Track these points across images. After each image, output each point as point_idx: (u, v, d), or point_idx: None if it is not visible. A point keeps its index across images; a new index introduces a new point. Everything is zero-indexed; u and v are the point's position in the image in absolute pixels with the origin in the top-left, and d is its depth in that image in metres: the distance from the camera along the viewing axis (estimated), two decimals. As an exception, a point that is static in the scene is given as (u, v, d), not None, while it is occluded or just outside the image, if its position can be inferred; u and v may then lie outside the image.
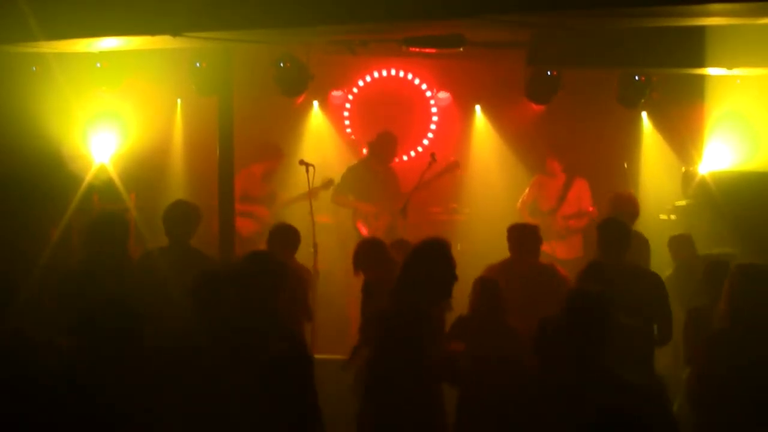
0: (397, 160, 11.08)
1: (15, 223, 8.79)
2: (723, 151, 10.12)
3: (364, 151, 10.75)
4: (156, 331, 5.59)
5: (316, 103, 11.55)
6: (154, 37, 7.39)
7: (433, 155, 10.09)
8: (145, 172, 10.43)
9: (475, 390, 6.00)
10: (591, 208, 10.27)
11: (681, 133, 10.64)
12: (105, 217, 7.19)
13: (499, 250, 8.03)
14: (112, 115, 10.15)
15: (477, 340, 6.10)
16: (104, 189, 9.75)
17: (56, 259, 8.41)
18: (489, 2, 6.15)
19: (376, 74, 11.63)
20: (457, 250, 9.94)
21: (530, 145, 11.11)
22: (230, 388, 5.11)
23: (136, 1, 7.13)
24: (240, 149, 9.28)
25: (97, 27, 7.37)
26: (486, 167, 11.50)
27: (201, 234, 7.43)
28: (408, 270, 5.62)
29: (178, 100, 11.13)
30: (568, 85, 10.00)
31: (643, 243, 8.37)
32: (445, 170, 10.39)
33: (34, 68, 9.22)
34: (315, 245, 9.26)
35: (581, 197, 10.38)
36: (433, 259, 5.58)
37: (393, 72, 11.61)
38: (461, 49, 9.26)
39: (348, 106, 11.68)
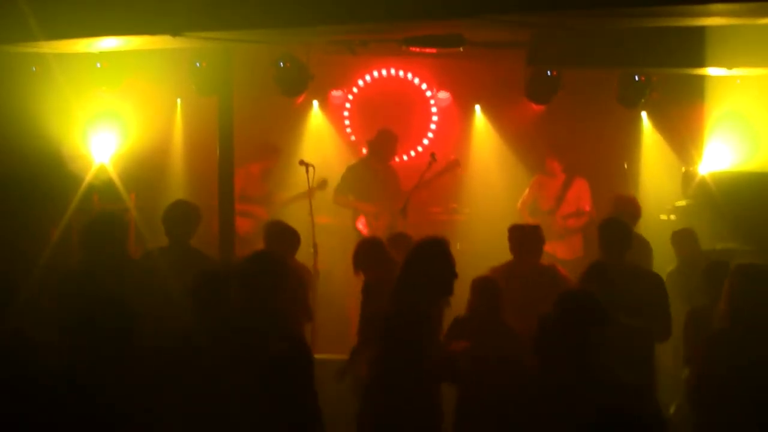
0: (397, 159, 11.09)
1: (15, 223, 8.78)
2: (723, 151, 10.11)
3: (364, 150, 10.75)
4: (156, 331, 5.60)
5: (316, 103, 11.55)
6: (154, 37, 7.39)
7: (433, 155, 10.09)
8: (145, 172, 10.43)
9: (473, 390, 6.00)
10: (588, 208, 10.27)
11: (681, 133, 10.64)
12: (103, 218, 7.19)
13: (499, 250, 8.03)
14: (112, 115, 10.15)
15: (475, 341, 6.09)
16: (104, 189, 9.75)
17: (56, 259, 8.40)
18: (489, 2, 6.15)
19: (376, 74, 11.63)
20: (457, 250, 9.94)
21: (530, 145, 11.11)
22: (230, 387, 5.11)
23: (136, 1, 7.13)
24: (240, 149, 9.28)
25: (97, 27, 7.37)
26: (486, 167, 11.50)
27: (201, 234, 7.42)
28: (408, 270, 5.62)
29: (178, 100, 11.13)
30: (568, 85, 10.00)
31: (644, 245, 8.37)
32: (446, 169, 10.39)
33: (34, 68, 9.22)
34: (315, 245, 9.26)
35: (581, 197, 10.39)
36: (433, 257, 5.58)
37: (393, 72, 11.61)
38: (461, 49, 9.26)
39: (348, 106, 11.68)
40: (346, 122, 11.70)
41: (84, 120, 9.66)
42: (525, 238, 7.53)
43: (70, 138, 9.42)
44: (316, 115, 11.65)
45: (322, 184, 10.32)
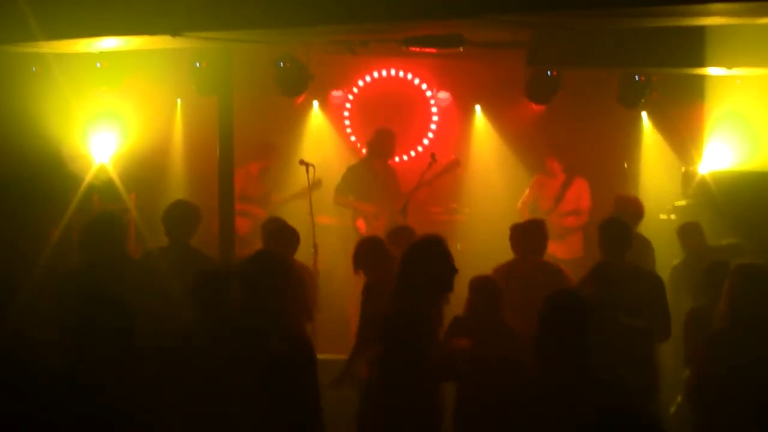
0: (397, 159, 11.09)
1: (15, 223, 8.79)
2: (723, 151, 10.12)
3: (364, 151, 10.75)
4: (156, 330, 5.60)
5: (316, 103, 11.55)
6: (154, 37, 7.39)
7: (433, 155, 10.10)
8: (145, 172, 10.43)
9: (473, 390, 6.00)
10: (586, 207, 10.28)
11: (681, 133, 10.64)
12: (103, 218, 7.19)
13: (499, 250, 8.03)
14: (112, 115, 10.15)
15: (474, 341, 6.08)
16: (104, 189, 9.75)
17: (56, 259, 8.41)
18: (489, 2, 6.15)
19: (376, 74, 11.63)
20: (457, 250, 9.96)
21: (530, 145, 11.11)
22: (231, 387, 5.10)
23: (136, 1, 7.13)
24: (240, 149, 9.29)
25: (97, 27, 7.37)
26: (486, 167, 11.50)
27: (201, 234, 7.42)
28: (406, 270, 5.60)
29: (178, 100, 11.13)
30: (568, 85, 10.00)
31: (646, 245, 8.36)
32: (446, 169, 10.39)
33: (34, 68, 9.22)
34: (315, 245, 9.26)
35: (580, 197, 10.39)
36: (430, 256, 5.57)
37: (393, 72, 11.61)
38: (461, 49, 9.26)
39: (348, 106, 11.68)
40: (347, 122, 11.70)
41: (84, 120, 9.66)
42: (527, 235, 7.50)
43: (70, 138, 9.42)
44: (316, 115, 11.66)
45: (317, 183, 10.31)
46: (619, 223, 7.11)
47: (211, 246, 9.00)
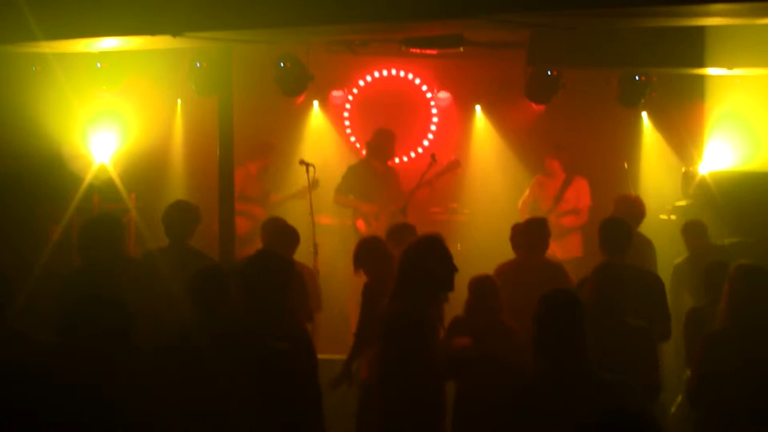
0: (397, 160, 11.09)
1: (15, 223, 8.79)
2: (723, 151, 10.12)
3: (364, 151, 10.75)
4: (155, 330, 5.59)
5: (316, 103, 11.55)
6: (154, 37, 7.38)
7: (433, 156, 10.10)
8: (145, 172, 10.44)
9: (472, 390, 6.00)
10: (586, 207, 10.28)
11: (681, 133, 10.65)
12: (101, 218, 7.19)
13: (499, 250, 8.03)
14: (112, 115, 10.15)
15: (474, 340, 6.07)
16: (104, 189, 9.75)
17: (56, 259, 8.41)
18: (489, 2, 6.14)
19: (376, 74, 11.63)
20: (457, 250, 9.97)
21: (530, 145, 11.12)
22: (231, 386, 5.10)
23: (136, 1, 7.13)
24: (239, 149, 9.28)
25: (97, 27, 7.36)
26: (486, 167, 11.51)
27: (200, 234, 7.42)
28: (405, 270, 5.59)
29: (178, 100, 11.13)
30: (568, 85, 10.01)
31: (647, 244, 8.35)
32: (446, 169, 10.39)
33: (34, 68, 9.23)
34: (315, 245, 9.26)
35: (580, 196, 10.40)
36: (430, 255, 5.56)
37: (393, 72, 11.61)
38: (461, 49, 9.27)
39: (348, 106, 11.69)
40: (346, 122, 11.70)
41: (84, 120, 9.66)
42: (530, 232, 7.50)
43: (70, 138, 9.43)
44: (316, 116, 11.66)
45: (314, 183, 10.29)
46: (619, 223, 7.11)
47: (211, 246, 9.00)
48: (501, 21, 6.93)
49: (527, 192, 10.57)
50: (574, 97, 10.34)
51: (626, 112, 10.64)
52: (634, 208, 8.49)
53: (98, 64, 9.42)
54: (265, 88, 10.20)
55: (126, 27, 7.29)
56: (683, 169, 10.25)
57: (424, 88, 11.64)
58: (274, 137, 11.17)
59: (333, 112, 11.67)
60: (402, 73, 11.61)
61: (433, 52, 9.58)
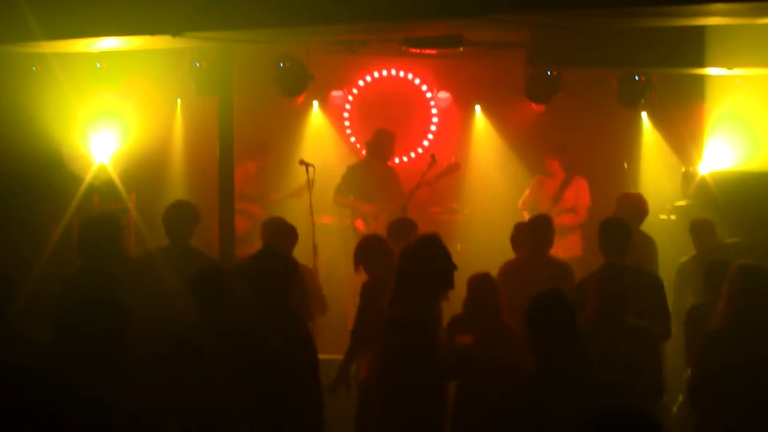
0: (397, 160, 11.09)
1: (15, 223, 8.79)
2: (723, 151, 10.12)
3: (364, 152, 10.75)
4: (155, 330, 5.59)
5: (316, 103, 11.55)
6: (154, 37, 7.38)
7: (433, 156, 10.11)
8: (145, 172, 10.44)
9: (472, 389, 6.00)
10: (585, 207, 10.29)
11: (681, 133, 10.65)
12: (99, 217, 7.19)
13: (499, 250, 8.03)
14: (112, 115, 10.15)
15: (473, 339, 6.07)
16: (104, 189, 9.75)
17: (56, 259, 8.41)
18: (489, 2, 6.14)
19: (376, 74, 11.63)
20: (457, 250, 9.96)
21: (530, 145, 11.12)
22: (232, 385, 5.10)
23: (136, 1, 7.13)
24: (239, 149, 9.29)
25: (97, 27, 7.36)
26: (486, 167, 11.51)
27: (199, 234, 7.43)
28: (405, 269, 5.59)
29: (178, 100, 11.13)
30: (568, 85, 10.01)
31: (649, 243, 8.34)
32: (446, 171, 10.39)
33: (34, 68, 9.22)
34: (315, 245, 9.26)
35: (579, 196, 10.40)
36: (429, 254, 5.55)
37: (393, 72, 11.61)
38: (461, 49, 9.27)
39: (348, 106, 11.69)
40: (346, 122, 11.70)
41: (84, 120, 9.66)
42: (536, 229, 7.50)
43: (70, 138, 9.42)
44: (316, 116, 11.66)
45: (310, 183, 10.29)
46: (618, 223, 7.10)
47: (209, 246, 9.00)
48: (501, 21, 6.94)
49: (527, 192, 10.58)
50: (574, 97, 10.34)
51: (626, 112, 10.64)
52: (637, 207, 8.47)
53: (98, 64, 9.42)
54: (265, 88, 10.19)
55: (126, 27, 7.29)
56: (683, 169, 10.25)
57: (424, 88, 11.64)
58: (274, 137, 11.17)
59: (333, 112, 11.67)
60: (402, 73, 11.61)
61: (433, 52, 9.58)
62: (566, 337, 4.54)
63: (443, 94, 11.58)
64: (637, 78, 9.95)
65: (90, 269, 6.45)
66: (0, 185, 8.86)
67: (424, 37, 9.17)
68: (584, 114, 11.03)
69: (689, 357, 6.20)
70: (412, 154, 11.59)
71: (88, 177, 9.64)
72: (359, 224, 10.20)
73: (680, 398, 6.77)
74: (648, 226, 8.55)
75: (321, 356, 5.93)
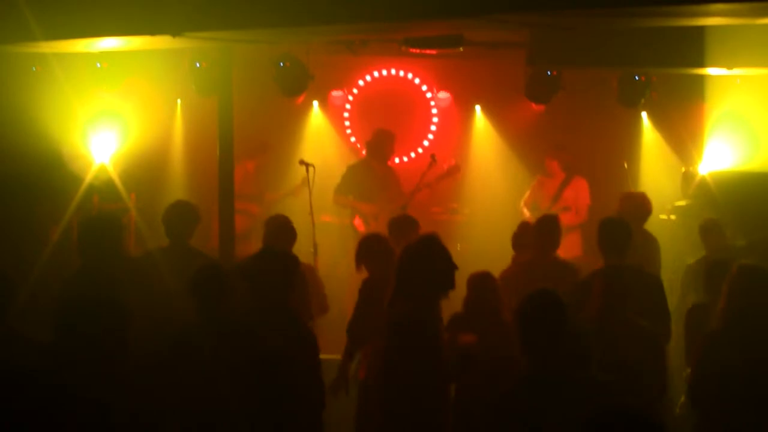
0: (397, 160, 11.09)
1: (15, 223, 8.79)
2: (723, 151, 10.12)
3: (364, 152, 10.75)
4: (155, 330, 5.59)
5: (316, 103, 11.55)
6: (154, 37, 7.39)
7: (433, 156, 10.11)
8: (145, 172, 10.43)
9: (471, 388, 6.00)
10: (585, 207, 10.29)
11: (681, 133, 10.65)
12: (99, 217, 7.18)
13: (499, 251, 8.02)
14: (112, 115, 10.15)
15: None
16: (104, 189, 9.75)
17: (56, 259, 8.41)
18: (489, 2, 6.15)
19: (376, 74, 11.63)
20: (457, 250, 9.96)
21: (530, 145, 11.12)
22: (231, 386, 5.10)
23: (136, 1, 7.13)
24: (239, 149, 9.29)
25: (97, 27, 7.37)
26: (486, 167, 11.51)
27: (199, 233, 7.43)
28: (406, 270, 5.59)
29: (178, 100, 11.13)
30: (568, 85, 10.01)
31: (652, 242, 8.32)
32: (446, 174, 10.40)
33: (34, 68, 9.22)
34: (315, 245, 9.26)
35: (579, 196, 10.40)
36: (428, 255, 5.55)
37: (393, 72, 11.61)
38: (461, 49, 9.27)
39: (348, 106, 11.69)
40: (346, 122, 11.70)
41: (84, 120, 9.66)
42: (542, 230, 7.51)
43: (70, 138, 9.42)
44: (316, 116, 11.66)
45: (305, 182, 10.28)
46: (618, 222, 7.10)
47: (208, 245, 9.00)
48: (501, 21, 6.94)
49: (528, 193, 10.59)
50: (574, 97, 10.34)
51: (626, 112, 10.64)
52: (641, 206, 8.44)
53: (98, 64, 9.41)
54: (265, 88, 10.19)
55: (126, 27, 7.30)
56: (683, 169, 10.25)
57: (424, 88, 11.64)
58: (274, 137, 11.17)
59: (333, 112, 11.67)
60: (402, 73, 11.61)
61: (433, 51, 9.58)
62: (559, 336, 4.55)
63: (443, 94, 11.58)
64: (637, 78, 9.95)
65: (90, 269, 6.45)
66: (0, 185, 8.86)
67: (424, 37, 9.17)
68: (584, 114, 11.03)
69: (689, 357, 6.20)
70: (412, 154, 11.59)
71: (88, 177, 9.63)
72: (358, 224, 10.20)
73: (682, 399, 6.77)
74: (648, 226, 8.54)
75: (321, 356, 5.93)
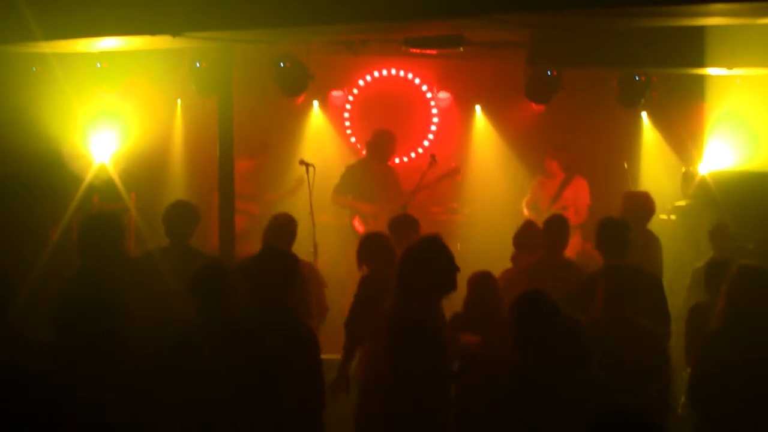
0: (397, 160, 11.09)
1: (15, 223, 8.79)
2: (723, 151, 10.12)
3: (364, 152, 10.75)
4: (156, 330, 5.60)
5: (316, 103, 11.55)
6: (154, 37, 7.39)
7: (433, 156, 10.11)
8: (145, 172, 10.43)
9: (471, 390, 5.99)
10: (585, 207, 10.29)
11: (681, 133, 10.65)
12: (99, 216, 7.18)
13: (499, 251, 8.02)
14: (112, 115, 10.14)
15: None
16: (104, 189, 9.75)
17: (56, 259, 8.41)
18: (489, 2, 6.15)
19: (376, 74, 11.63)
20: (457, 250, 9.96)
21: (530, 145, 11.12)
22: (231, 386, 5.10)
23: (136, 1, 7.13)
24: (239, 149, 9.28)
25: (97, 27, 7.37)
26: (486, 167, 11.51)
27: (199, 233, 7.43)
28: (408, 271, 5.59)
29: (178, 100, 11.13)
30: (568, 85, 10.01)
31: (654, 241, 8.31)
32: (446, 175, 10.41)
33: (34, 68, 9.22)
34: (315, 245, 9.25)
35: (579, 196, 10.40)
36: (431, 257, 5.55)
37: (393, 72, 11.61)
38: (461, 49, 9.27)
39: (348, 106, 11.68)
40: (347, 123, 11.70)
41: (84, 120, 9.66)
42: (551, 230, 7.51)
43: (70, 138, 9.42)
44: (316, 116, 11.66)
45: (300, 182, 10.27)
46: (617, 222, 7.10)
47: (207, 245, 9.00)
48: (501, 21, 6.94)
49: (529, 194, 10.60)
50: (574, 97, 10.34)
51: (626, 112, 10.64)
52: (644, 206, 8.42)
53: (98, 64, 9.41)
54: (265, 88, 10.19)
55: (126, 27, 7.30)
56: (683, 169, 10.25)
57: (424, 88, 11.63)
58: (274, 137, 11.17)
59: (333, 112, 11.67)
60: (402, 73, 11.61)
61: (433, 52, 9.58)
62: (544, 336, 4.57)
63: (443, 94, 11.58)
64: (637, 78, 9.95)
65: (90, 269, 6.45)
66: (0, 185, 8.86)
67: (424, 37, 9.17)
68: (584, 114, 11.03)
69: (689, 357, 6.21)
70: (412, 154, 11.59)
71: (88, 177, 9.63)
72: (357, 224, 10.20)
73: (682, 399, 6.77)
74: (648, 226, 8.54)
75: (322, 356, 5.92)
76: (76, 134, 9.62)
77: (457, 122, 11.66)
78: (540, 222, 8.08)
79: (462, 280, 6.02)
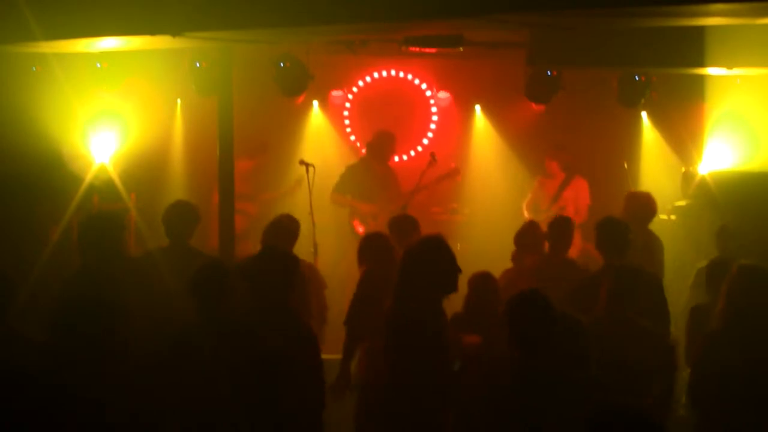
0: (396, 159, 11.10)
1: (15, 223, 8.79)
2: (723, 151, 10.12)
3: (364, 151, 10.76)
4: (156, 331, 5.59)
5: (316, 103, 11.55)
6: (154, 37, 7.39)
7: (432, 155, 10.11)
8: (145, 172, 10.43)
9: (471, 390, 5.99)
10: (585, 207, 10.29)
11: (681, 133, 10.65)
12: (99, 216, 7.18)
13: (499, 251, 8.02)
14: (112, 115, 10.15)
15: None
16: (104, 189, 9.75)
17: (56, 259, 8.41)
18: (489, 2, 6.15)
19: (376, 74, 11.63)
20: (457, 250, 9.96)
21: (530, 145, 11.12)
22: (231, 386, 5.10)
23: (136, 1, 7.13)
24: (239, 149, 9.29)
25: (97, 27, 7.37)
26: (486, 167, 11.51)
27: (198, 233, 7.43)
28: (408, 272, 5.58)
29: (178, 100, 11.13)
30: (568, 85, 10.01)
31: (655, 240, 8.31)
32: (446, 176, 10.41)
33: (34, 68, 9.22)
34: (315, 245, 9.26)
35: (579, 196, 10.41)
36: (433, 257, 5.55)
37: (393, 72, 11.61)
38: (461, 49, 9.27)
39: (348, 106, 11.69)
40: (346, 122, 11.71)
41: (84, 120, 9.66)
42: (554, 231, 7.52)
43: (70, 138, 9.42)
44: (316, 116, 11.66)
45: (299, 183, 10.28)
46: (617, 222, 7.10)
47: (207, 245, 9.00)
48: (501, 21, 6.94)
49: (530, 195, 10.61)
50: (574, 97, 10.34)
51: (626, 112, 10.64)
52: (646, 206, 8.41)
53: (98, 64, 9.42)
54: (265, 88, 10.19)
55: (126, 27, 7.30)
56: (683, 169, 10.25)
57: (424, 87, 11.64)
58: (274, 137, 11.17)
59: (333, 112, 11.67)
60: (402, 73, 11.61)
61: (433, 50, 9.58)
62: (547, 333, 4.57)
63: (443, 94, 11.58)
64: (637, 78, 9.95)
65: (90, 269, 6.45)
66: (0, 185, 8.86)
67: (424, 37, 9.17)
68: (584, 114, 11.03)
69: (689, 357, 6.21)
70: (412, 153, 11.59)
71: (88, 177, 9.63)
72: (357, 224, 10.20)
73: (683, 399, 6.77)
74: (649, 226, 8.54)
75: (322, 356, 5.92)
76: (76, 134, 9.62)
77: (457, 122, 11.66)
78: (541, 222, 8.09)
79: (462, 280, 6.02)
